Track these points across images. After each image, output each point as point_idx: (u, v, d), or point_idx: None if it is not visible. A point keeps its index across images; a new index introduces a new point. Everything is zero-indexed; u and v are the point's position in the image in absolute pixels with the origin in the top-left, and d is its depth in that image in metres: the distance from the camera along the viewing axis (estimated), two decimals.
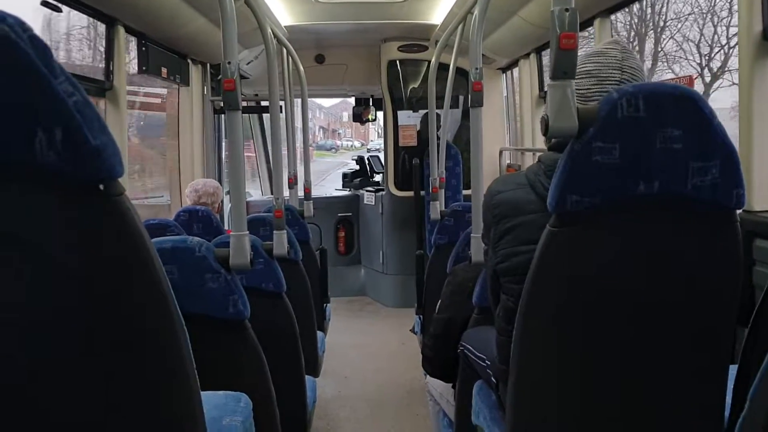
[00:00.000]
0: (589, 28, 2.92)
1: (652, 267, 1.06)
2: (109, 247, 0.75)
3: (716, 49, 11.43)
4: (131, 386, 0.81)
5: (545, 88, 3.78)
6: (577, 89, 1.19)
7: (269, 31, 2.34)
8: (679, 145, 1.00)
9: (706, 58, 11.46)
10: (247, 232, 1.57)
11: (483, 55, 1.96)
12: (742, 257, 1.08)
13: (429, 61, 4.20)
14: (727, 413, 1.14)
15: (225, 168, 4.61)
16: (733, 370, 1.14)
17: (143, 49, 3.08)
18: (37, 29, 0.69)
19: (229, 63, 1.56)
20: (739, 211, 1.08)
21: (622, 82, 1.23)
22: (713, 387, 1.12)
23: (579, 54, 1.04)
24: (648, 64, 11.39)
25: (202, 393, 0.91)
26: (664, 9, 11.71)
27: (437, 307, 2.10)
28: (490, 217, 1.29)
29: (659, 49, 11.87)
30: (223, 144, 4.80)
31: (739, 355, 1.14)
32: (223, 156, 4.60)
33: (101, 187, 0.73)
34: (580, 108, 1.00)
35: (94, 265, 0.75)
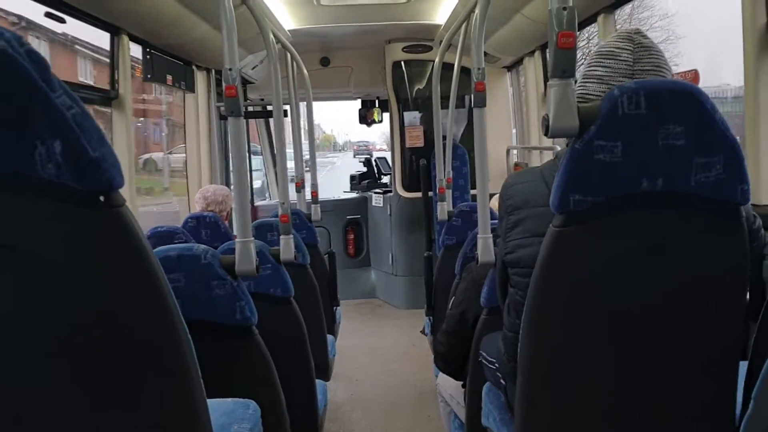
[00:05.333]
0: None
1: (657, 264, 1.05)
2: (110, 259, 0.75)
3: None
4: (135, 396, 0.81)
5: None
6: (588, 93, 1.18)
7: (271, 35, 2.34)
8: (682, 142, 0.99)
9: None
10: (252, 238, 1.57)
11: (487, 53, 1.96)
12: (749, 252, 1.07)
13: (434, 62, 4.20)
14: (738, 410, 1.13)
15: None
16: (744, 366, 1.13)
17: (148, 57, 3.09)
18: None
19: (230, 69, 1.56)
20: (748, 205, 1.08)
21: None
22: (723, 384, 1.11)
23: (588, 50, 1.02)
24: None
25: (210, 400, 0.92)
26: None
27: (450, 303, 2.10)
28: (503, 207, 1.32)
29: None
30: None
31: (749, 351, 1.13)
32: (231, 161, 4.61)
33: (101, 198, 0.73)
34: (580, 107, 0.99)
35: (95, 277, 0.75)
